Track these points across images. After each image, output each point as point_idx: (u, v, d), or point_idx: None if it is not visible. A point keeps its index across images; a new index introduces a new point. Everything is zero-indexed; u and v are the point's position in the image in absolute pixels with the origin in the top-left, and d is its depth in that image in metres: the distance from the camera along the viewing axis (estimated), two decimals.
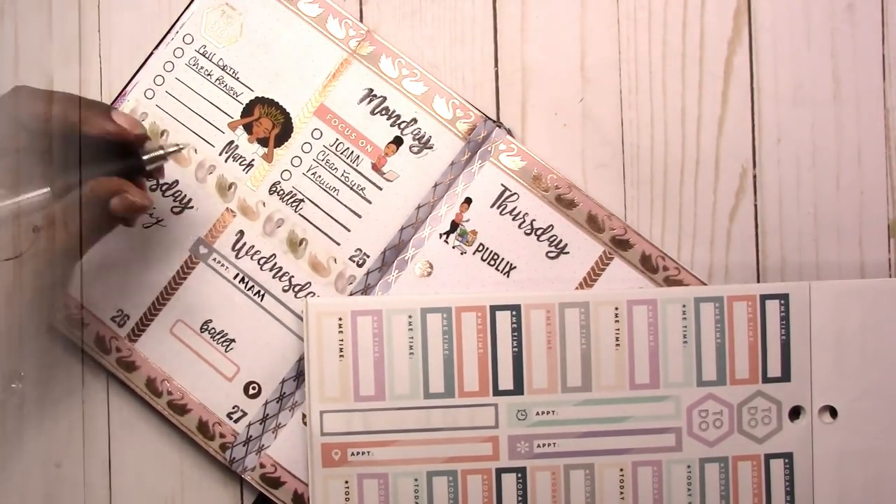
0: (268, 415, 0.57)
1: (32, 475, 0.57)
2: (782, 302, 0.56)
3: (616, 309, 0.56)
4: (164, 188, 0.58)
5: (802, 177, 0.58)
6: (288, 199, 0.58)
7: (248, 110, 0.58)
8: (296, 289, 0.58)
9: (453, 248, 0.57)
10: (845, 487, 0.56)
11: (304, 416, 0.57)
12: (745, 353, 0.56)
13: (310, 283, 0.58)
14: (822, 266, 0.58)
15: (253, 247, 0.58)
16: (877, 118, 0.58)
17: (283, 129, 0.58)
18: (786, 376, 0.56)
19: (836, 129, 0.58)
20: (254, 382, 0.57)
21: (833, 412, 0.57)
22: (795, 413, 0.56)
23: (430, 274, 0.57)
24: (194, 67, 0.58)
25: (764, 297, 0.56)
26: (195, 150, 0.58)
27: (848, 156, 0.58)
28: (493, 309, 0.56)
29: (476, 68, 0.59)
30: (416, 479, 0.55)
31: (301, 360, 0.57)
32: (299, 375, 0.57)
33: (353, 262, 0.58)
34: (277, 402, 0.57)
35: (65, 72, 0.58)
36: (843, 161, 0.58)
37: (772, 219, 0.58)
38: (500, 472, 0.56)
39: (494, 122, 0.58)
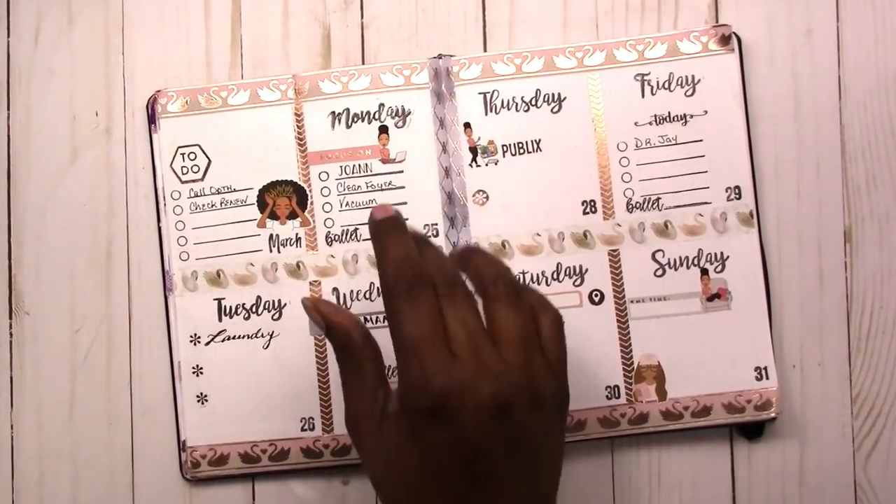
0: None
1: None
2: None
3: None
4: (245, 314, 0.63)
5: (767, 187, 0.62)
6: (345, 238, 0.63)
7: (261, 204, 0.63)
8: None
9: (487, 166, 0.63)
10: None
11: None
12: None
13: None
14: None
15: (352, 291, 0.63)
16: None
17: (299, 194, 0.63)
18: None
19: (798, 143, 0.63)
20: None
21: None
22: None
23: (487, 199, 0.63)
24: (198, 210, 0.63)
25: None
26: (252, 265, 0.63)
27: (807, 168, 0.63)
28: None
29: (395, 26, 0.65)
30: None
31: None
32: None
33: (430, 236, 0.62)
34: None
35: None
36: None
37: None
38: None
39: (437, 56, 0.63)
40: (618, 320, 0.61)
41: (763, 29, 0.63)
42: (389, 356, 0.61)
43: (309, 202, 0.63)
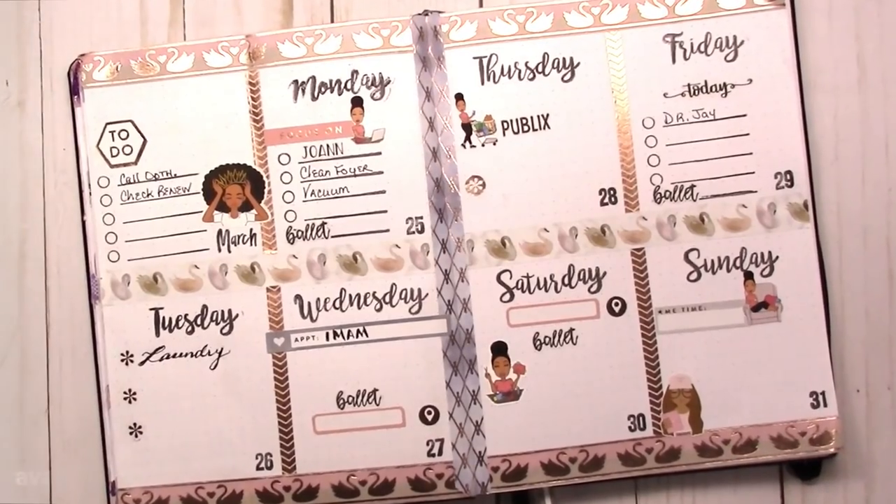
0: (461, 423, 0.52)
1: None
2: None
3: None
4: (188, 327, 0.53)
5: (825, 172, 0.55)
6: (310, 234, 0.53)
7: (208, 193, 0.54)
8: (385, 300, 0.52)
9: (483, 146, 0.53)
10: None
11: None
12: None
13: (394, 284, 0.53)
14: None
15: (318, 300, 0.53)
16: None
17: (253, 181, 0.54)
18: None
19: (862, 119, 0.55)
20: (427, 407, 0.52)
21: None
22: None
23: (484, 187, 0.53)
24: (131, 200, 0.54)
25: None
26: (196, 267, 0.53)
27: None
28: None
29: None
30: None
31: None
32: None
33: (413, 232, 0.53)
34: (458, 406, 0.52)
35: None
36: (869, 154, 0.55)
37: None
38: None
39: (422, 13, 0.54)
40: (643, 335, 0.53)
41: None
42: (360, 375, 0.52)
43: (266, 191, 0.54)
